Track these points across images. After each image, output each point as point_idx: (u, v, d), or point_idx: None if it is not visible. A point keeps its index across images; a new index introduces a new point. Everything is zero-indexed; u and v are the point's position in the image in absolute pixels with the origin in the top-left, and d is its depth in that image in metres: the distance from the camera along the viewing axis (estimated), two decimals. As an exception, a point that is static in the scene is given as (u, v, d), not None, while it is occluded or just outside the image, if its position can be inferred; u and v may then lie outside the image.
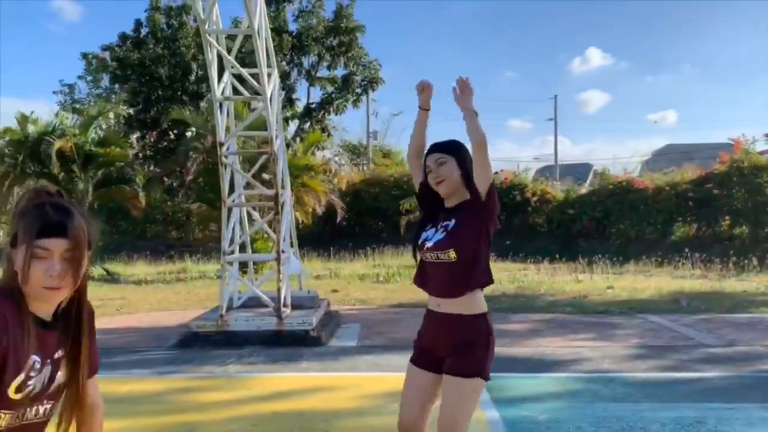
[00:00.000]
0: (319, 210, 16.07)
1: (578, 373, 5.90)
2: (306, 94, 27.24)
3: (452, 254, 2.62)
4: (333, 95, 26.41)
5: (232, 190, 7.78)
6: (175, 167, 17.08)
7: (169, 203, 26.54)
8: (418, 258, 2.90)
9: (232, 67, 6.96)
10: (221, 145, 7.09)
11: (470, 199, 2.69)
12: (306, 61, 27.13)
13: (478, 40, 79.27)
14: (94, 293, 11.95)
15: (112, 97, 32.90)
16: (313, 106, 26.74)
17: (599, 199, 21.73)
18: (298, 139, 24.71)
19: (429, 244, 2.71)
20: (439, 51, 78.19)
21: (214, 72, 6.64)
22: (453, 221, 2.68)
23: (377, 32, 54.54)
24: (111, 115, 24.65)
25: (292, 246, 8.42)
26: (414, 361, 2.83)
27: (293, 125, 26.95)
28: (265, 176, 10.82)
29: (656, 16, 78.30)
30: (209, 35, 6.33)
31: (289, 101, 26.66)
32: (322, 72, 27.34)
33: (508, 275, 14.06)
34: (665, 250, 18.04)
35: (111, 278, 14.43)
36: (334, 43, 26.23)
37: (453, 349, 2.69)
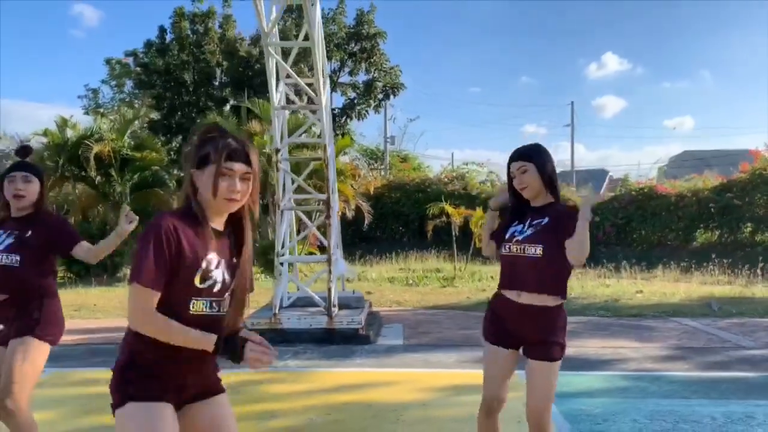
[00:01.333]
0: (349, 214, 16.40)
1: (624, 372, 6.14)
2: (330, 100, 27.71)
3: (539, 250, 2.87)
4: (355, 101, 26.76)
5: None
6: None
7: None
8: (493, 251, 3.15)
9: (287, 77, 7.27)
10: (277, 151, 7.40)
11: (560, 212, 2.93)
12: (328, 67, 27.57)
13: (495, 45, 79.57)
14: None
15: (135, 102, 33.46)
16: (335, 111, 27.09)
17: (621, 205, 21.87)
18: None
19: (519, 237, 2.95)
20: (455, 56, 78.55)
21: (273, 82, 6.95)
22: (546, 219, 2.93)
23: (392, 37, 54.90)
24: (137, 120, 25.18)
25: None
26: (492, 341, 3.06)
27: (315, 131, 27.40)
28: (309, 182, 11.13)
29: (674, 21, 78.21)
30: (270, 47, 6.65)
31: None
32: (344, 78, 27.74)
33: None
34: (688, 256, 18.18)
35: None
36: (356, 49, 26.60)
37: (536, 336, 2.94)
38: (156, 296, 1.90)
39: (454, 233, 15.62)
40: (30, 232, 3.18)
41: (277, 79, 7.42)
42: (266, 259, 15.84)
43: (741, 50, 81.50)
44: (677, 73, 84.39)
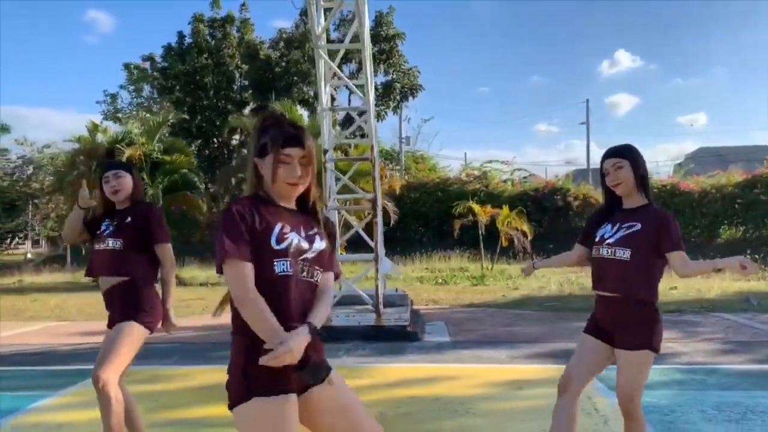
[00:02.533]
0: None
1: (678, 365, 6.18)
2: (347, 102, 27.77)
3: (627, 254, 2.93)
4: (374, 103, 26.96)
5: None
6: (236, 174, 17.60)
7: (214, 210, 27.20)
8: (584, 256, 3.22)
9: (336, 78, 7.36)
10: (325, 152, 7.51)
11: (655, 219, 2.98)
12: (347, 69, 27.66)
13: (506, 44, 79.46)
14: (175, 296, 12.47)
15: (153, 106, 33.74)
16: (355, 113, 27.24)
17: (644, 202, 21.87)
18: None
19: (609, 240, 3.01)
20: (466, 55, 78.50)
21: (322, 84, 7.06)
22: (638, 225, 2.98)
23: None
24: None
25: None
26: (589, 331, 3.13)
27: (333, 132, 27.57)
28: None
29: (686, 17, 77.84)
30: (321, 49, 6.75)
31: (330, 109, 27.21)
32: (361, 79, 27.92)
33: (564, 278, 14.32)
34: (712, 252, 18.13)
35: (177, 281, 14.94)
36: (374, 51, 26.75)
37: (625, 329, 3.00)
38: (246, 265, 1.98)
39: (480, 232, 15.69)
40: (129, 219, 3.43)
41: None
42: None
43: (755, 46, 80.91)
44: (690, 70, 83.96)
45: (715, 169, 24.85)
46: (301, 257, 2.07)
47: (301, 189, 2.11)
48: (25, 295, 12.79)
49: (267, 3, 59.55)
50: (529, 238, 15.64)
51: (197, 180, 15.70)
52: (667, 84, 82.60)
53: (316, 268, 2.11)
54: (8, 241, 36.34)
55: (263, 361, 1.90)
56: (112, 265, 3.39)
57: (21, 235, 35.83)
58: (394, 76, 26.83)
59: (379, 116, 27.09)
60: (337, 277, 2.27)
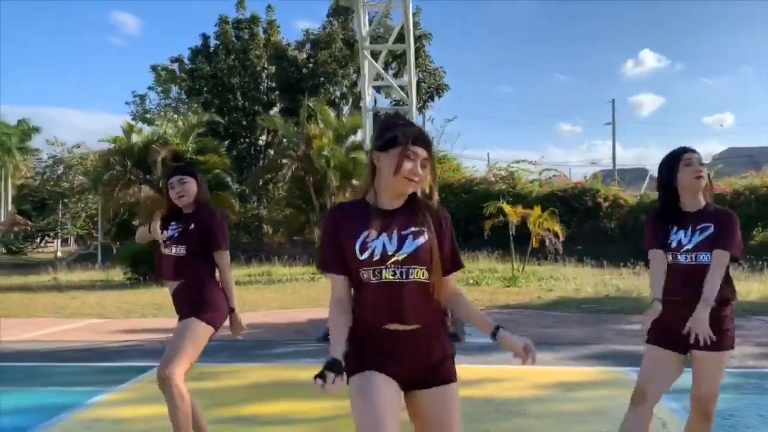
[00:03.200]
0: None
1: (731, 369, 6.08)
2: (373, 102, 27.93)
3: (709, 257, 2.90)
4: (400, 102, 26.95)
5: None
6: (265, 174, 17.76)
7: (240, 210, 27.45)
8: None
9: (379, 79, 7.40)
10: (367, 152, 7.52)
11: (719, 219, 2.96)
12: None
13: (530, 44, 79.00)
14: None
15: (180, 107, 34.12)
16: (380, 113, 27.33)
17: (674, 203, 21.61)
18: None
19: (689, 246, 2.97)
20: (490, 53, 78.19)
21: (366, 84, 7.11)
22: (711, 227, 2.95)
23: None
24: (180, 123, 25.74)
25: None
26: (660, 342, 3.05)
27: (360, 133, 27.67)
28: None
29: (713, 16, 76.66)
30: (366, 50, 6.80)
31: (356, 109, 27.32)
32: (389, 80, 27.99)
33: (595, 279, 14.20)
34: (746, 254, 17.86)
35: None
36: (401, 51, 26.78)
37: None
38: (337, 278, 2.13)
39: (511, 233, 15.60)
40: (192, 225, 3.51)
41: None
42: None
43: (784, 44, 79.30)
44: (717, 69, 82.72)
45: (744, 170, 24.45)
46: (391, 261, 2.09)
47: (415, 188, 2.15)
48: (63, 293, 13.02)
49: (290, 4, 59.96)
50: (561, 239, 15.51)
51: (230, 180, 15.84)
52: (692, 83, 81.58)
53: (415, 267, 2.11)
54: (38, 239, 36.99)
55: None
56: (176, 271, 3.51)
57: (51, 234, 36.43)
58: (420, 76, 26.83)
59: (405, 116, 27.17)
60: (458, 267, 2.27)
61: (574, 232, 20.80)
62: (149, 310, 10.38)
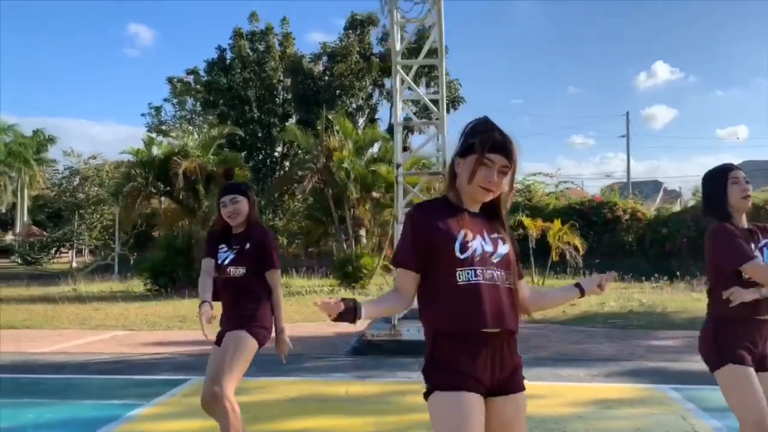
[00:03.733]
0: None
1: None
2: (388, 115, 27.96)
3: None
4: (417, 115, 27.01)
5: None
6: (283, 186, 17.83)
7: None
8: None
9: (432, 91, 7.42)
10: (398, 166, 7.56)
11: None
12: (388, 82, 27.85)
13: (541, 56, 79.12)
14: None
15: (196, 119, 34.37)
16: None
17: (693, 217, 21.42)
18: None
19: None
20: (503, 65, 78.33)
21: (398, 99, 7.13)
22: None
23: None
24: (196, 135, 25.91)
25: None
26: (749, 363, 2.92)
27: (376, 145, 27.76)
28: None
29: (727, 28, 76.49)
30: (398, 65, 6.83)
31: (371, 121, 27.39)
32: (403, 93, 28.06)
33: (616, 293, 14.10)
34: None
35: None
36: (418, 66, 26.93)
37: None
38: (409, 274, 2.12)
39: (531, 246, 15.55)
40: (248, 245, 3.51)
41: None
42: (344, 271, 16.06)
43: (798, 57, 78.89)
44: (731, 82, 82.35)
45: (763, 183, 24.24)
46: (490, 262, 2.10)
47: (492, 196, 2.13)
48: (86, 304, 13.08)
49: (302, 17, 60.46)
50: (581, 252, 15.44)
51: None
52: (706, 96, 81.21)
53: (504, 271, 2.12)
54: (54, 250, 37.25)
55: None
56: (236, 292, 3.50)
57: (67, 244, 36.69)
58: (436, 89, 26.95)
59: (420, 129, 27.17)
60: (522, 276, 2.28)
61: (591, 246, 20.68)
62: (174, 323, 10.40)
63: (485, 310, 2.03)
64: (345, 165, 15.30)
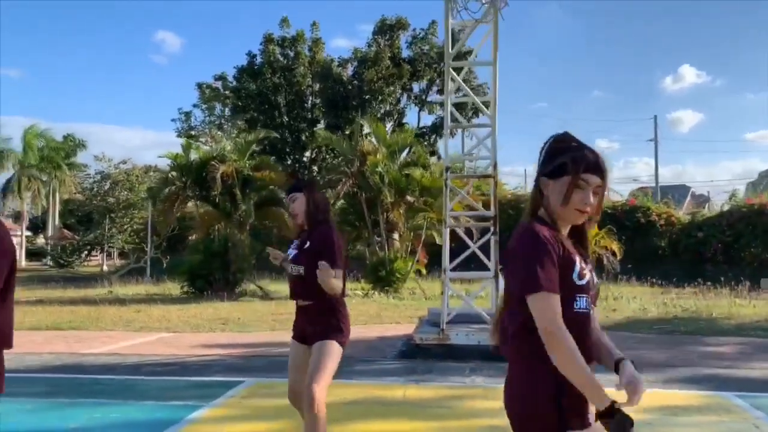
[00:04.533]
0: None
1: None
2: (416, 119, 27.99)
3: None
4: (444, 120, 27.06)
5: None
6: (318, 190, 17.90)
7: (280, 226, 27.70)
8: None
9: (462, 94, 7.41)
10: (447, 169, 7.53)
11: None
12: (416, 87, 27.86)
13: (569, 59, 78.51)
14: (266, 309, 12.70)
15: (224, 124, 34.70)
16: (424, 130, 27.35)
17: (729, 222, 21.09)
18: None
19: None
20: (528, 69, 77.93)
21: (449, 101, 7.12)
22: None
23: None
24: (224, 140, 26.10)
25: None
26: None
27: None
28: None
29: (755, 29, 75.17)
30: (451, 67, 6.82)
31: (399, 126, 27.41)
32: (432, 97, 28.00)
33: (655, 299, 13.91)
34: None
35: (264, 295, 15.26)
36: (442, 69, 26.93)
37: None
38: (557, 299, 1.88)
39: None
40: (308, 243, 3.46)
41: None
42: (377, 275, 16.05)
43: (831, 59, 77.18)
44: (759, 84, 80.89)
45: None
46: (589, 289, 2.00)
47: (585, 218, 2.02)
48: (126, 306, 13.25)
49: (327, 23, 60.79)
50: (619, 257, 15.24)
51: (283, 197, 16.03)
52: (734, 99, 79.86)
53: (594, 301, 2.05)
54: (84, 253, 37.86)
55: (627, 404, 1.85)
56: (300, 291, 3.50)
57: (97, 248, 37.26)
58: (465, 93, 26.88)
59: (451, 133, 27.12)
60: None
61: (624, 251, 20.44)
62: (216, 325, 10.48)
63: (588, 344, 1.96)
64: (379, 169, 15.31)
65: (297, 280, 3.48)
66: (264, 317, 11.37)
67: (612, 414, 1.82)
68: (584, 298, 1.96)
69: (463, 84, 7.21)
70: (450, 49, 6.60)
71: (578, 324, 1.93)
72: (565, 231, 2.03)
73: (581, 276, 1.95)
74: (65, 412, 5.13)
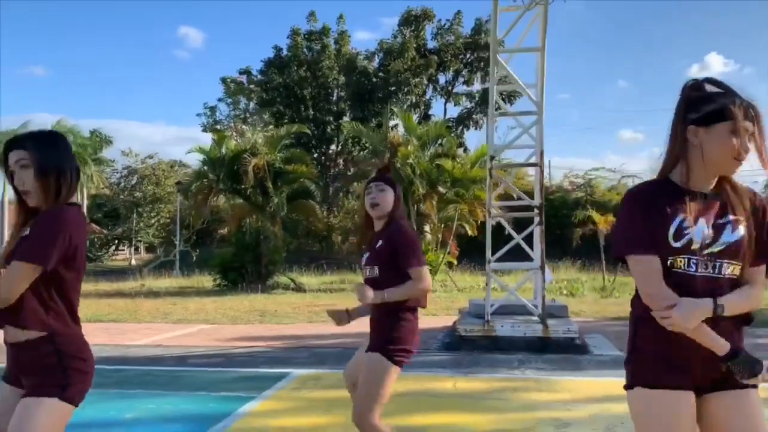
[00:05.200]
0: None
1: None
2: (442, 111, 27.80)
3: None
4: (472, 110, 26.73)
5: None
6: (350, 184, 17.91)
7: (310, 218, 27.74)
8: None
9: (506, 82, 7.27)
10: (492, 158, 7.41)
11: None
12: (442, 78, 27.67)
13: (592, 49, 77.39)
14: (301, 301, 12.71)
15: (249, 118, 34.88)
16: (452, 122, 27.17)
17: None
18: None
19: None
20: (551, 58, 76.90)
21: (495, 90, 6.99)
22: None
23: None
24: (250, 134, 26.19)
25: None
26: None
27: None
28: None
29: (785, 17, 73.18)
30: (498, 54, 6.69)
31: (425, 117, 27.26)
32: (458, 88, 27.79)
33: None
34: None
35: (296, 287, 15.29)
36: (472, 59, 26.59)
37: None
38: (652, 260, 1.87)
39: (601, 242, 15.16)
40: (380, 243, 3.17)
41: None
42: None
43: None
44: (791, 72, 78.82)
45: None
46: (706, 251, 1.90)
47: (739, 168, 1.94)
48: (162, 299, 13.36)
49: (348, 16, 60.58)
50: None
51: (315, 189, 16.02)
52: (763, 88, 77.97)
53: (730, 262, 1.91)
54: (112, 248, 38.39)
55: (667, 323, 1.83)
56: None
57: (126, 242, 37.77)
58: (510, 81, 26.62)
59: (477, 124, 26.89)
60: None
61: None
62: (254, 317, 10.51)
63: None
64: (410, 160, 15.21)
65: (372, 284, 3.12)
66: (299, 309, 11.38)
67: (736, 354, 1.82)
68: (683, 258, 1.88)
69: (511, 72, 7.06)
70: (497, 35, 6.47)
71: (677, 283, 1.87)
72: (705, 187, 1.95)
73: (678, 236, 1.89)
74: (118, 402, 5.13)
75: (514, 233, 7.82)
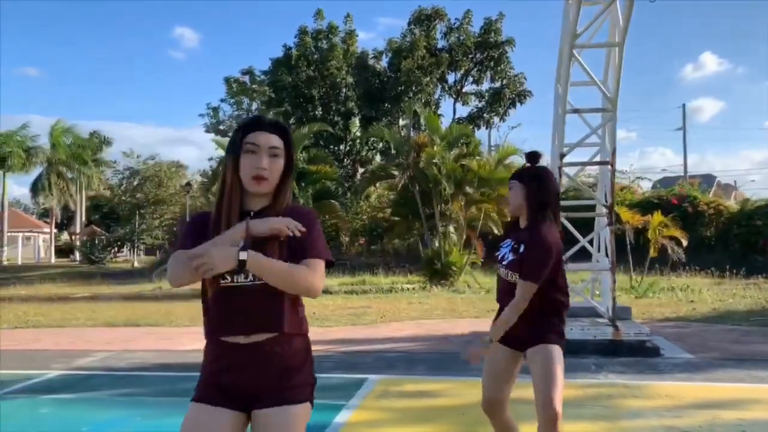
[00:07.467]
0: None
1: None
2: (452, 110, 27.63)
3: None
4: (482, 110, 26.59)
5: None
6: (372, 184, 17.69)
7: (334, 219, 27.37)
8: None
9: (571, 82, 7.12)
10: (562, 156, 7.24)
11: None
12: (451, 77, 27.50)
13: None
14: (335, 303, 12.49)
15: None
16: (462, 121, 27.01)
17: (783, 211, 20.69)
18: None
19: None
20: (545, 59, 77.10)
21: (566, 86, 6.83)
22: None
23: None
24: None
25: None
26: None
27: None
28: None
29: (778, 17, 73.75)
30: (575, 49, 6.52)
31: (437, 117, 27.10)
32: (467, 87, 27.64)
33: (723, 289, 13.60)
34: None
35: (324, 289, 15.06)
36: (481, 58, 26.45)
37: None
38: None
39: (629, 241, 15.05)
40: (523, 247, 2.96)
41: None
42: (432, 269, 15.80)
43: None
44: (784, 71, 79.50)
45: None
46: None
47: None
48: (189, 302, 13.09)
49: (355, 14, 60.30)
50: (684, 244, 14.92)
51: (339, 189, 15.81)
52: (756, 87, 78.58)
53: None
54: (114, 249, 37.91)
55: None
56: (509, 300, 2.96)
57: (128, 243, 37.29)
58: (504, 83, 26.46)
59: (487, 124, 26.77)
60: None
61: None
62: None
63: None
64: (436, 161, 15.02)
65: (507, 286, 3.00)
66: (337, 311, 11.16)
67: None
68: None
69: (587, 69, 6.88)
70: (576, 31, 6.30)
71: None
72: None
73: None
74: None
75: (579, 236, 7.63)
